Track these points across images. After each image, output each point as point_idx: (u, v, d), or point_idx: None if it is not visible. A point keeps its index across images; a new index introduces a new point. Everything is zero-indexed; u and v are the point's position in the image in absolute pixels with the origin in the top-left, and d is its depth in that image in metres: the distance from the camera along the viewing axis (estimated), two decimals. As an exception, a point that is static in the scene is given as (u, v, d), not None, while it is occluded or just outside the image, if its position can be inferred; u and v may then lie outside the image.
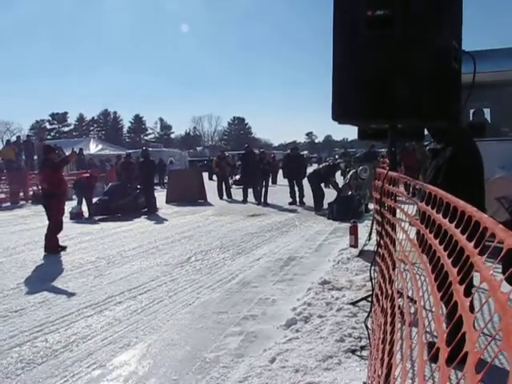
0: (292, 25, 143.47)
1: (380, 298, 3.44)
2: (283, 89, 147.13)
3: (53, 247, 10.46)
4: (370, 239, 9.17)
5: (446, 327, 1.28)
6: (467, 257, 1.41)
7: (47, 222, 10.63)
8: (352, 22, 3.03)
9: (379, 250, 4.04)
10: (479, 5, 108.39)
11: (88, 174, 18.29)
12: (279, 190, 20.85)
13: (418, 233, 2.78)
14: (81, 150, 30.29)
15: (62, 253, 10.33)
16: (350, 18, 3.04)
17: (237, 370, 4.49)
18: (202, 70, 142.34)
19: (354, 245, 9.39)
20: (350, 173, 15.45)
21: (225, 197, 22.17)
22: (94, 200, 16.71)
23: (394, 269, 3.01)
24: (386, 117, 3.13)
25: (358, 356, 4.57)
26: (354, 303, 6.02)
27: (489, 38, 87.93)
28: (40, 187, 13.86)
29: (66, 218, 15.11)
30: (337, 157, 37.15)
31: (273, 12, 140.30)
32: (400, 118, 3.13)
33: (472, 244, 1.40)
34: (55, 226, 10.65)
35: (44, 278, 8.16)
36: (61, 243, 10.73)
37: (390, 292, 2.79)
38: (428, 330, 3.85)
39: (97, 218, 16.01)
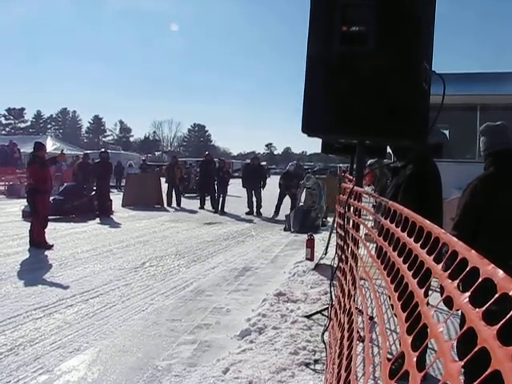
0: (256, 40, 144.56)
1: (338, 312, 3.44)
2: (245, 98, 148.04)
3: (41, 242, 10.60)
4: (326, 253, 9.23)
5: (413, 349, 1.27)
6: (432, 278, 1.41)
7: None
8: (326, 37, 3.06)
9: (340, 264, 4.05)
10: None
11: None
12: (234, 200, 20.75)
13: (378, 248, 2.79)
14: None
15: (12, 252, 10.03)
16: (324, 33, 3.07)
17: (189, 379, 4.44)
18: (165, 74, 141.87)
19: (310, 258, 9.42)
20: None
21: (173, 204, 21.30)
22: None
23: (353, 284, 3.02)
24: (354, 133, 3.16)
25: (311, 369, 4.56)
26: (308, 316, 6.03)
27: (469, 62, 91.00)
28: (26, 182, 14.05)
29: (18, 216, 14.85)
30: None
31: (237, 26, 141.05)
32: (368, 135, 3.16)
33: (440, 266, 1.40)
34: (42, 221, 10.93)
35: (-9, 278, 7.90)
36: (11, 241, 10.52)
37: (347, 307, 2.79)
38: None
39: (50, 217, 15.58)
